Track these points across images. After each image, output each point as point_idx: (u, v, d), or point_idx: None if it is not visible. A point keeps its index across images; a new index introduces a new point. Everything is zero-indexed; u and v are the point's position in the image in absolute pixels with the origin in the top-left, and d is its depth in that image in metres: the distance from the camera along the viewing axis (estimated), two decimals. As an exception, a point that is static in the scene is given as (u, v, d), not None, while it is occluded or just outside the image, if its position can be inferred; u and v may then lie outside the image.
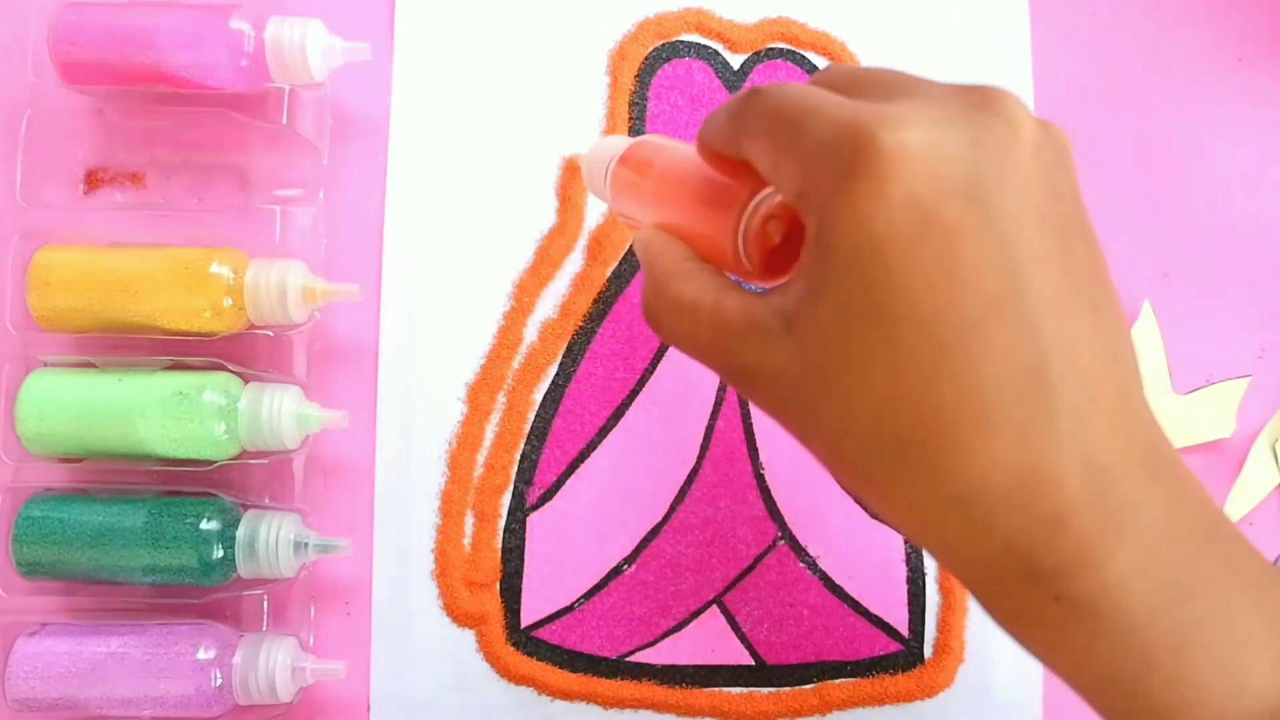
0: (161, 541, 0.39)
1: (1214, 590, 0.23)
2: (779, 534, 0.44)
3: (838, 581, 0.44)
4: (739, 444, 0.45)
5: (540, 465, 0.44)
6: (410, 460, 0.44)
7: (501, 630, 0.43)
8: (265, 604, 0.42)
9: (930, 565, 0.45)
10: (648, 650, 0.44)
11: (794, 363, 0.24)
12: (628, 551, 0.44)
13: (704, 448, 0.45)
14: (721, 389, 0.45)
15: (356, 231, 0.45)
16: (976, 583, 0.24)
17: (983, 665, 0.44)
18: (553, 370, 0.45)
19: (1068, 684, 0.25)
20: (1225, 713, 0.23)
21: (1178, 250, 0.47)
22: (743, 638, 0.44)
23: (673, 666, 0.44)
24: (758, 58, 0.46)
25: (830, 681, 0.44)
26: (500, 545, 0.44)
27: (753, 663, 0.44)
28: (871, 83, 0.25)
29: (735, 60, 0.46)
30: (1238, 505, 0.45)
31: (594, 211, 0.45)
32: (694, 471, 0.44)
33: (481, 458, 0.44)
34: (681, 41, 0.46)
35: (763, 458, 0.45)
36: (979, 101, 0.23)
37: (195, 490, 0.41)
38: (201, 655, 0.39)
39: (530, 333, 0.45)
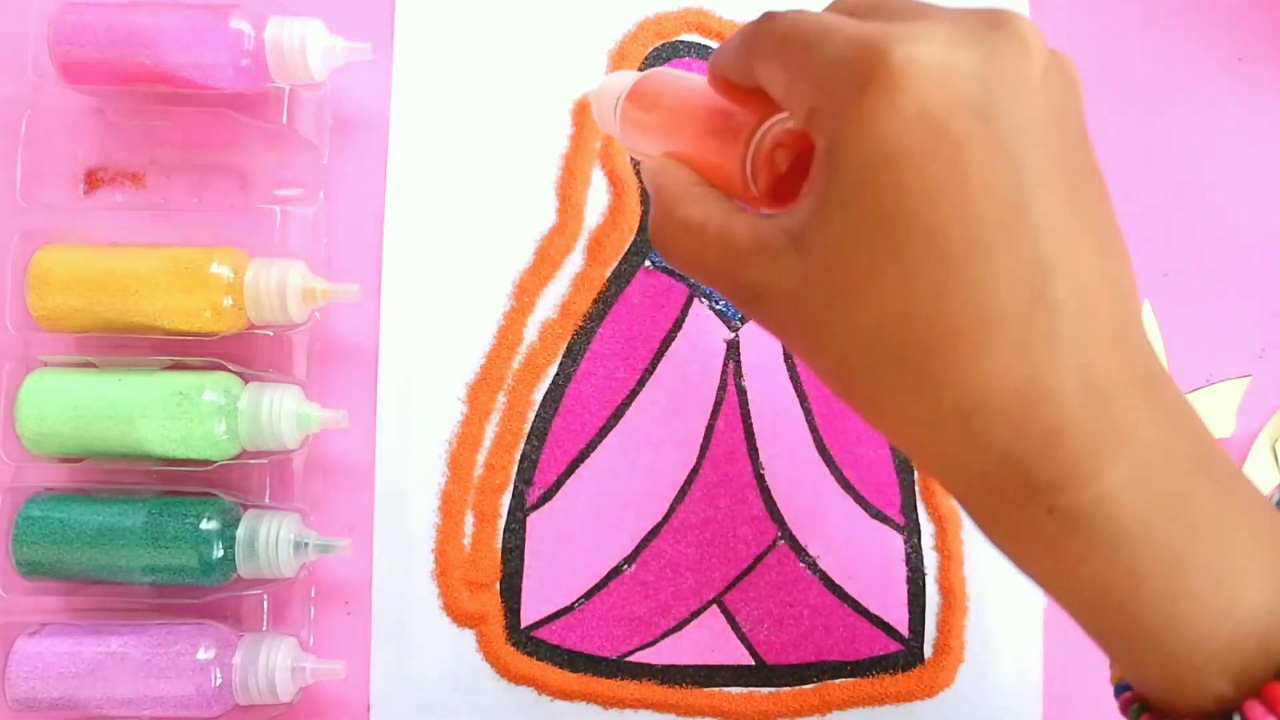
0: (161, 541, 0.39)
1: (1206, 510, 0.23)
2: (779, 534, 0.44)
3: (838, 581, 0.44)
4: (739, 444, 0.45)
5: (540, 465, 0.44)
6: (410, 460, 0.44)
7: (501, 630, 0.43)
8: (265, 604, 0.42)
9: (930, 565, 0.45)
10: (648, 650, 0.44)
11: (801, 281, 0.24)
12: (628, 551, 0.44)
13: (704, 448, 0.45)
14: (721, 389, 0.45)
15: (356, 231, 0.45)
16: (973, 499, 0.25)
17: (983, 665, 0.44)
18: (553, 370, 0.45)
19: (1060, 603, 0.25)
20: (1214, 630, 0.23)
21: (1178, 250, 0.47)
22: (743, 638, 0.44)
23: (673, 666, 0.44)
24: (758, 58, 0.46)
25: (830, 681, 0.44)
26: (500, 545, 0.44)
27: (753, 663, 0.44)
28: (884, 7, 0.25)
29: (735, 60, 0.46)
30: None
31: (594, 211, 0.45)
32: (694, 471, 0.44)
33: (481, 458, 0.44)
34: (681, 41, 0.46)
35: (763, 458, 0.45)
36: (992, 22, 0.23)
37: (195, 490, 0.41)
38: (201, 655, 0.39)
39: (530, 333, 0.45)
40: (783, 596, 0.44)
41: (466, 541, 0.44)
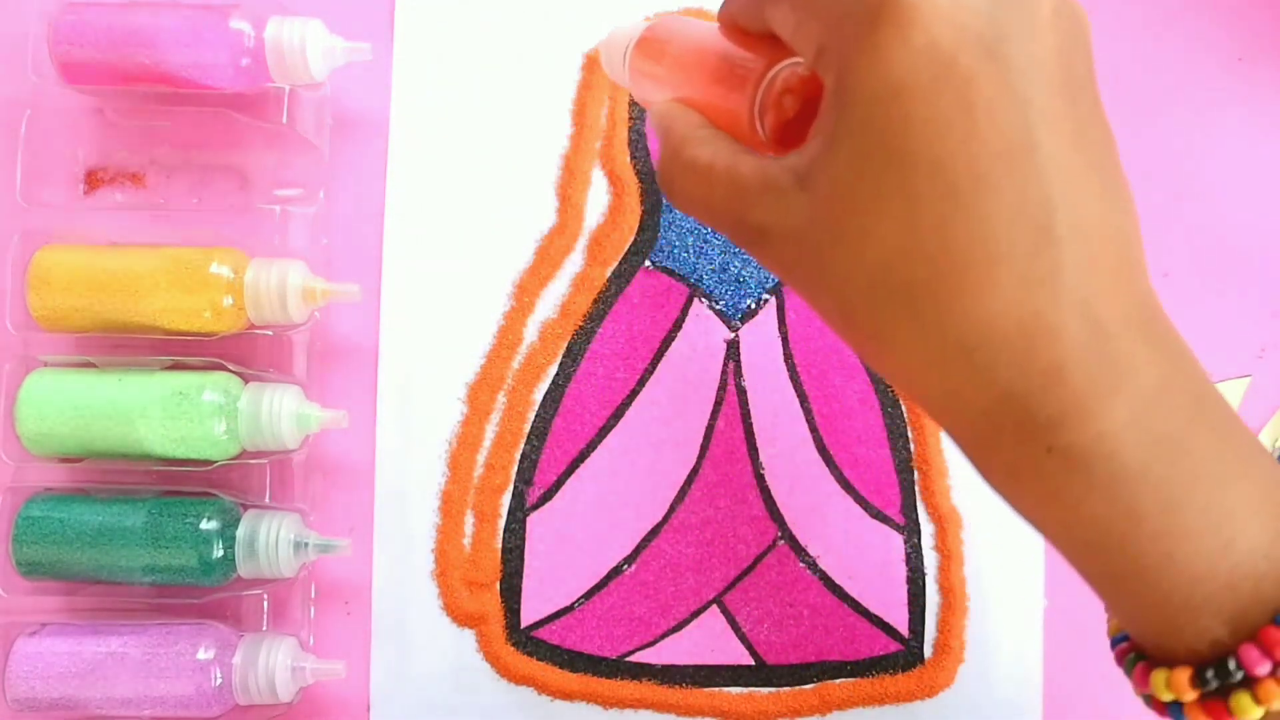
0: (161, 541, 0.39)
1: (1205, 453, 0.23)
2: (779, 534, 0.44)
3: (838, 581, 0.44)
4: (739, 444, 0.45)
5: (540, 465, 0.44)
6: (410, 460, 0.44)
7: (501, 630, 0.43)
8: (265, 604, 0.42)
9: (930, 565, 0.45)
10: (648, 650, 0.44)
11: (806, 219, 0.25)
12: (628, 551, 0.44)
13: (704, 448, 0.45)
14: (721, 389, 0.45)
15: (356, 231, 0.45)
16: (972, 438, 0.25)
17: (983, 665, 0.44)
18: (553, 370, 0.45)
19: (1057, 545, 0.26)
20: (1211, 571, 0.23)
21: (1178, 250, 0.47)
22: (743, 638, 0.44)
23: (673, 666, 0.44)
24: (758, 58, 0.46)
25: (830, 681, 0.44)
26: (500, 545, 0.44)
27: (753, 663, 0.44)
28: None
29: (735, 60, 0.46)
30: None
31: (594, 211, 0.45)
32: (694, 471, 0.44)
33: (481, 458, 0.44)
34: (681, 41, 0.46)
35: (763, 458, 0.45)
36: None
37: (195, 490, 0.41)
38: (201, 655, 0.39)
39: (530, 333, 0.45)
40: (783, 596, 0.44)
41: (466, 541, 0.44)
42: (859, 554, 0.44)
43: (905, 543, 0.45)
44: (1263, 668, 0.23)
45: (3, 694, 0.39)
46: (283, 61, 0.41)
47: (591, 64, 0.45)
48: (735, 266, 0.45)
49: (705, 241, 0.45)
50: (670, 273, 0.45)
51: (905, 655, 0.44)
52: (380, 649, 0.43)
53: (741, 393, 0.45)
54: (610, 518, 0.44)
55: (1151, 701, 0.26)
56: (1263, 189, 0.47)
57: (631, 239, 0.45)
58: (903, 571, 0.45)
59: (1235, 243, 0.47)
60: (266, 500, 0.42)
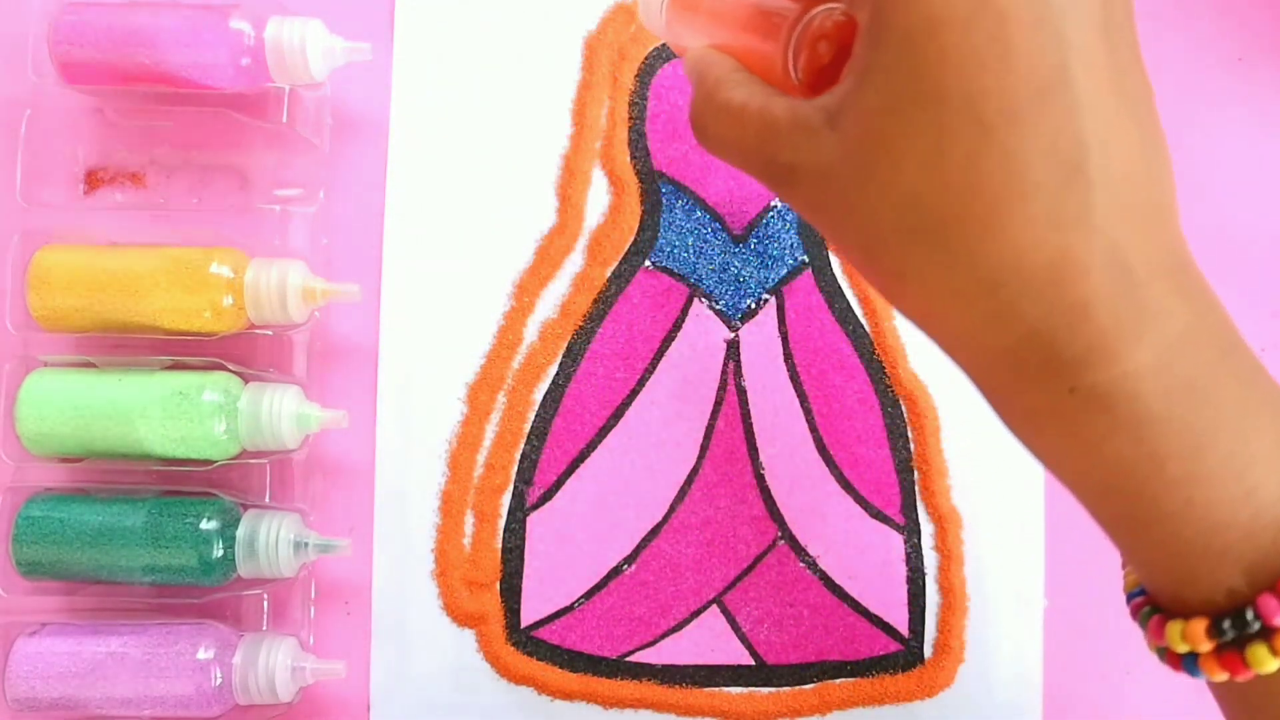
0: (161, 541, 0.39)
1: (1229, 400, 0.23)
2: (779, 534, 0.44)
3: (838, 581, 0.44)
4: (739, 444, 0.45)
5: (540, 465, 0.44)
6: (410, 460, 0.44)
7: (501, 630, 0.43)
8: (265, 604, 0.42)
9: (930, 565, 0.45)
10: (648, 650, 0.44)
11: (836, 156, 0.25)
12: (628, 551, 0.44)
13: (704, 448, 0.45)
14: (721, 389, 0.45)
15: (356, 231, 0.45)
16: (993, 377, 0.25)
17: (983, 665, 0.44)
18: (553, 370, 0.45)
19: (1074, 489, 0.25)
20: (1232, 518, 0.23)
21: (1178, 250, 0.46)
22: (743, 638, 0.44)
23: (673, 666, 0.44)
24: (758, 58, 0.46)
25: (830, 681, 0.44)
26: (500, 545, 0.44)
27: (753, 663, 0.44)
28: None
29: (735, 60, 0.46)
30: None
31: (594, 211, 0.45)
32: (694, 471, 0.44)
33: (481, 458, 0.44)
34: (681, 41, 0.46)
35: (763, 458, 0.45)
36: None
37: (195, 490, 0.41)
38: (201, 655, 0.39)
39: (530, 333, 0.45)
40: (783, 596, 0.44)
41: (466, 541, 0.44)
42: (859, 554, 0.44)
43: (905, 543, 0.45)
44: None
45: (3, 694, 0.39)
46: (283, 61, 0.41)
47: (591, 63, 0.45)
48: (735, 266, 0.45)
49: (705, 241, 0.45)
50: (670, 273, 0.45)
51: (905, 655, 0.44)
52: (380, 649, 0.43)
53: (741, 393, 0.45)
54: (610, 518, 0.44)
55: (1165, 654, 0.26)
56: (1262, 189, 0.47)
57: (631, 239, 0.45)
58: (903, 571, 0.45)
59: (1234, 242, 0.47)
60: (266, 500, 0.42)
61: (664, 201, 0.45)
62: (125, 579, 0.40)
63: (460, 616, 0.43)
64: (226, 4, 0.41)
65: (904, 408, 0.45)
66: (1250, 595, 0.23)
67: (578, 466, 0.44)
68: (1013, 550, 0.44)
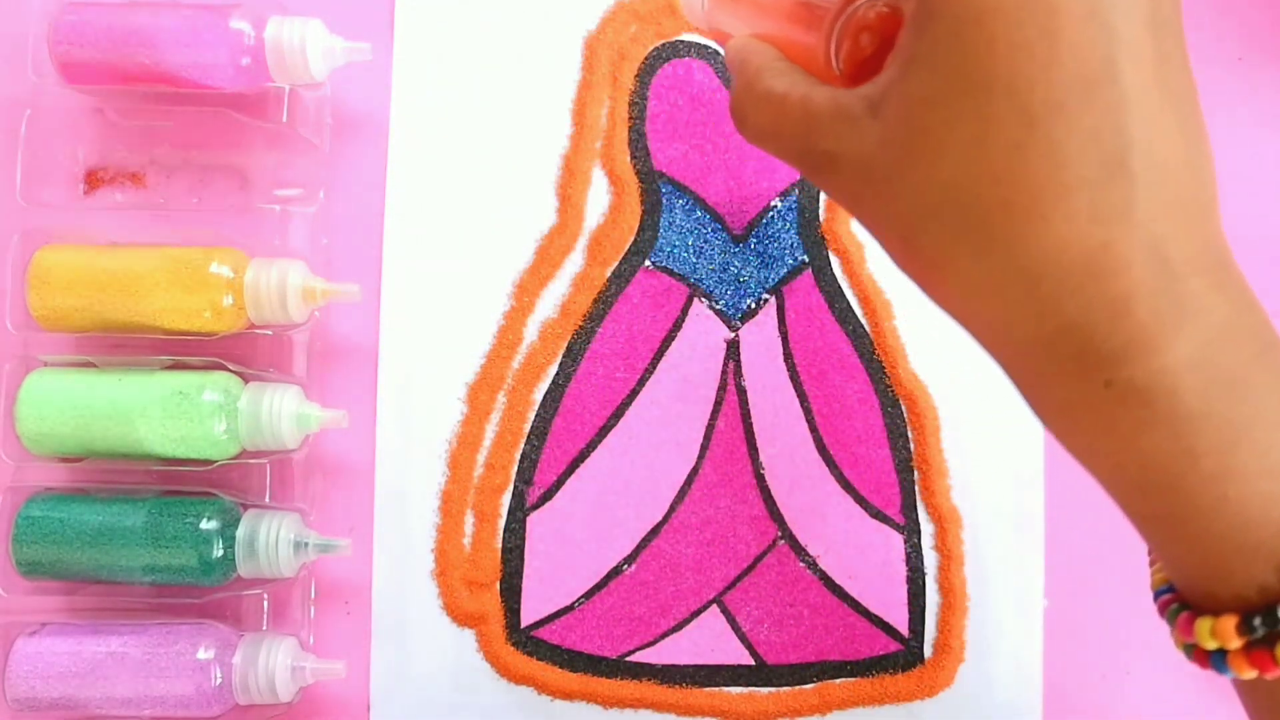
0: (161, 541, 0.39)
1: (1266, 397, 0.23)
2: (779, 534, 0.44)
3: (838, 581, 0.44)
4: (739, 444, 0.45)
5: (540, 465, 0.44)
6: (410, 460, 0.44)
7: (501, 630, 0.43)
8: (265, 604, 0.42)
9: (930, 565, 0.45)
10: (648, 650, 0.44)
11: (876, 144, 0.25)
12: (628, 551, 0.44)
13: (704, 448, 0.45)
14: (721, 389, 0.45)
15: (356, 231, 0.45)
16: (1028, 369, 0.25)
17: (983, 665, 0.44)
18: (553, 370, 0.45)
19: (1105, 483, 0.25)
20: (1266, 515, 0.23)
21: (1178, 250, 0.46)
22: (743, 638, 0.44)
23: (673, 666, 0.44)
24: (758, 58, 0.46)
25: (830, 681, 0.44)
26: (500, 545, 0.44)
27: (753, 663, 0.44)
28: None
29: (735, 60, 0.46)
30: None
31: (594, 211, 0.45)
32: (694, 471, 0.44)
33: (481, 457, 0.44)
34: (681, 41, 0.46)
35: (763, 458, 0.45)
36: None
37: (195, 490, 0.41)
38: (201, 655, 0.39)
39: (530, 333, 0.45)
40: (783, 596, 0.44)
41: (466, 541, 0.44)
42: (859, 554, 0.44)
43: (905, 543, 0.45)
44: None
45: (3, 694, 0.39)
46: (283, 61, 0.41)
47: (591, 63, 0.45)
48: (735, 266, 0.45)
49: (705, 241, 0.45)
50: (670, 273, 0.45)
51: (905, 655, 0.44)
52: (380, 649, 0.43)
53: (741, 393, 0.45)
54: (610, 518, 0.44)
55: (1193, 652, 0.25)
56: (1263, 189, 0.47)
57: (631, 239, 0.45)
58: (903, 571, 0.45)
59: (1234, 242, 0.47)
60: (266, 500, 0.42)
61: (664, 201, 0.45)
62: (125, 579, 0.40)
63: (460, 616, 0.43)
64: (226, 4, 0.41)
65: (904, 408, 0.45)
66: None
67: (578, 466, 0.44)
68: (1013, 550, 0.44)
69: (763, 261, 0.45)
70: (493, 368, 0.44)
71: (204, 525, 0.40)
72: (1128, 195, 0.22)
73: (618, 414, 0.45)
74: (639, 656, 0.44)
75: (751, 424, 0.45)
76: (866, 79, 0.26)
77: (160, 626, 0.40)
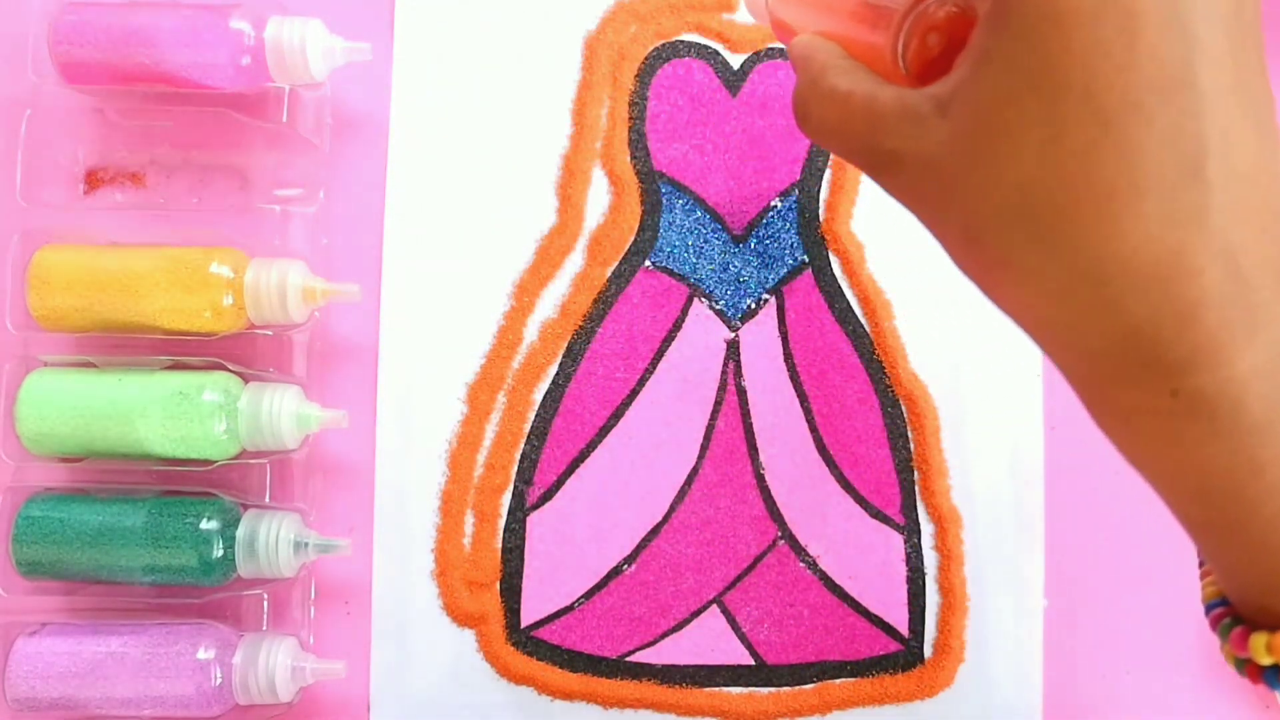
0: (161, 541, 0.39)
1: None
2: (779, 534, 0.44)
3: (838, 581, 0.44)
4: (739, 444, 0.45)
5: (540, 465, 0.44)
6: (410, 460, 0.44)
7: (501, 630, 0.43)
8: (265, 604, 0.42)
9: (930, 565, 0.45)
10: (648, 650, 0.44)
11: (944, 144, 0.25)
12: (628, 551, 0.44)
13: (704, 448, 0.45)
14: (721, 389, 0.45)
15: (356, 231, 0.45)
16: (1090, 376, 0.24)
17: (983, 665, 0.44)
18: (553, 370, 0.45)
19: (1164, 492, 0.25)
20: None
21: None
22: (743, 638, 0.44)
23: (673, 666, 0.44)
24: (758, 57, 0.46)
25: (830, 681, 0.44)
26: (500, 545, 0.44)
27: (753, 663, 0.44)
28: None
29: (735, 60, 0.46)
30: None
31: (594, 211, 0.45)
32: (694, 471, 0.44)
33: (481, 457, 0.44)
34: (681, 41, 0.46)
35: (763, 458, 0.45)
36: None
37: (195, 490, 0.41)
38: (201, 655, 0.39)
39: (530, 333, 0.45)
40: (783, 596, 0.44)
41: (466, 541, 0.44)
42: (859, 554, 0.44)
43: (905, 543, 0.45)
44: None
45: (3, 694, 0.39)
46: (283, 61, 0.41)
47: (591, 63, 0.45)
48: (735, 266, 0.45)
49: (705, 241, 0.45)
50: (670, 273, 0.45)
51: (905, 655, 0.44)
52: (380, 649, 0.43)
53: (741, 393, 0.45)
54: (610, 518, 0.44)
55: (1246, 666, 0.25)
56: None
57: (631, 239, 0.45)
58: (903, 571, 0.45)
59: None
60: (266, 500, 0.42)
61: (664, 201, 0.45)
62: (125, 579, 0.40)
63: (460, 616, 0.43)
64: (226, 4, 0.41)
65: (904, 408, 0.45)
66: None
67: (578, 466, 0.44)
68: (1013, 550, 0.44)
69: (763, 261, 0.45)
70: (493, 368, 0.44)
71: (204, 525, 0.40)
72: (1202, 200, 0.22)
73: (618, 414, 0.45)
74: (639, 656, 0.44)
75: (751, 424, 0.45)
76: (933, 79, 0.26)
77: (160, 626, 0.40)
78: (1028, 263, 0.23)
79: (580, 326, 0.45)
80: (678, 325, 0.45)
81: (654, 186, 0.45)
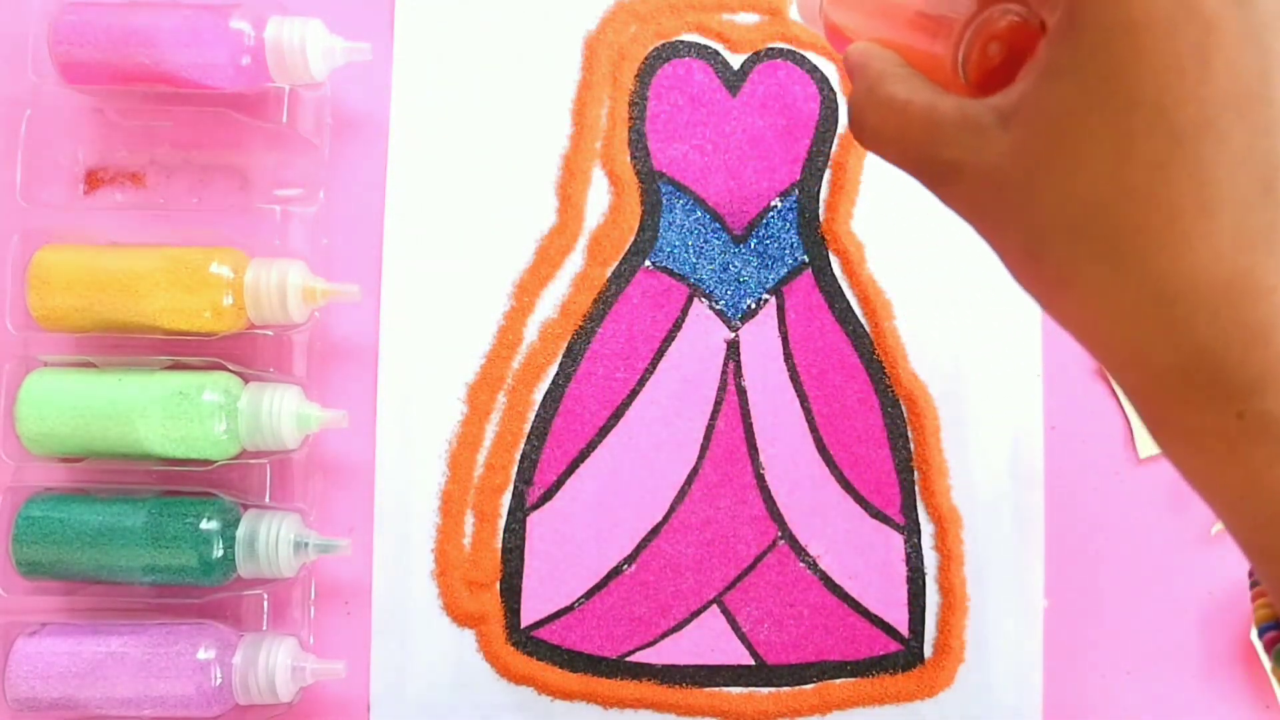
0: (161, 541, 0.39)
1: None
2: (779, 534, 0.44)
3: (838, 581, 0.44)
4: (739, 444, 0.45)
5: (540, 465, 0.44)
6: (410, 460, 0.44)
7: (501, 630, 0.43)
8: (265, 604, 0.42)
9: (930, 565, 0.45)
10: (648, 650, 0.44)
11: (1006, 157, 0.24)
12: (628, 551, 0.44)
13: (704, 448, 0.45)
14: (721, 389, 0.45)
15: (356, 231, 0.45)
16: (1154, 396, 0.24)
17: (983, 665, 0.44)
18: (553, 370, 0.45)
19: (1225, 515, 0.25)
20: None
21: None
22: (743, 638, 0.44)
23: (673, 666, 0.44)
24: (758, 58, 0.46)
25: (830, 681, 0.44)
26: (500, 545, 0.44)
27: (753, 663, 0.44)
28: None
29: (735, 60, 0.46)
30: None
31: (594, 211, 0.45)
32: (694, 471, 0.44)
33: (481, 457, 0.44)
34: (681, 41, 0.46)
35: (763, 458, 0.45)
36: None
37: (195, 490, 0.41)
38: (201, 655, 0.39)
39: (530, 333, 0.45)
40: (783, 596, 0.44)
41: (466, 541, 0.44)
42: (859, 554, 0.44)
43: (905, 543, 0.45)
44: None
45: (3, 694, 0.39)
46: (283, 61, 0.41)
47: (591, 63, 0.45)
48: (735, 266, 0.45)
49: (705, 241, 0.45)
50: (670, 273, 0.45)
51: (905, 655, 0.44)
52: (380, 649, 0.43)
53: (741, 393, 0.45)
54: (610, 518, 0.44)
55: None
56: None
57: (631, 239, 0.45)
58: (903, 571, 0.45)
59: None
60: (266, 500, 0.42)
61: (664, 201, 0.45)
62: (125, 579, 0.40)
63: (460, 616, 0.43)
64: (226, 4, 0.41)
65: (904, 408, 0.45)
66: None
67: (578, 466, 0.44)
68: (1013, 550, 0.44)
69: (763, 261, 0.45)
70: (493, 368, 0.44)
71: (204, 525, 0.40)
72: (1273, 220, 0.21)
73: (618, 414, 0.45)
74: (639, 656, 0.44)
75: (751, 424, 0.45)
76: (993, 89, 0.26)
77: (160, 626, 0.40)
78: (1092, 279, 0.23)
79: (580, 326, 0.45)
80: (678, 325, 0.45)
81: (654, 186, 0.45)
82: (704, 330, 0.45)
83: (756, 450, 0.45)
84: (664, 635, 0.44)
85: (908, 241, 0.45)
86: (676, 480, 0.44)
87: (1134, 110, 0.22)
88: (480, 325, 0.44)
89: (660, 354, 0.45)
